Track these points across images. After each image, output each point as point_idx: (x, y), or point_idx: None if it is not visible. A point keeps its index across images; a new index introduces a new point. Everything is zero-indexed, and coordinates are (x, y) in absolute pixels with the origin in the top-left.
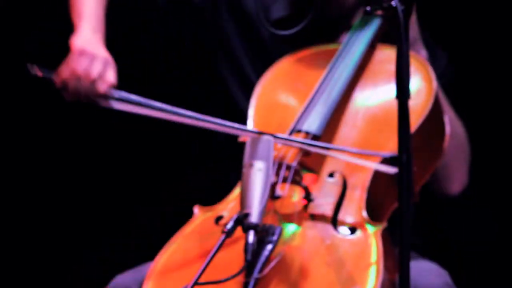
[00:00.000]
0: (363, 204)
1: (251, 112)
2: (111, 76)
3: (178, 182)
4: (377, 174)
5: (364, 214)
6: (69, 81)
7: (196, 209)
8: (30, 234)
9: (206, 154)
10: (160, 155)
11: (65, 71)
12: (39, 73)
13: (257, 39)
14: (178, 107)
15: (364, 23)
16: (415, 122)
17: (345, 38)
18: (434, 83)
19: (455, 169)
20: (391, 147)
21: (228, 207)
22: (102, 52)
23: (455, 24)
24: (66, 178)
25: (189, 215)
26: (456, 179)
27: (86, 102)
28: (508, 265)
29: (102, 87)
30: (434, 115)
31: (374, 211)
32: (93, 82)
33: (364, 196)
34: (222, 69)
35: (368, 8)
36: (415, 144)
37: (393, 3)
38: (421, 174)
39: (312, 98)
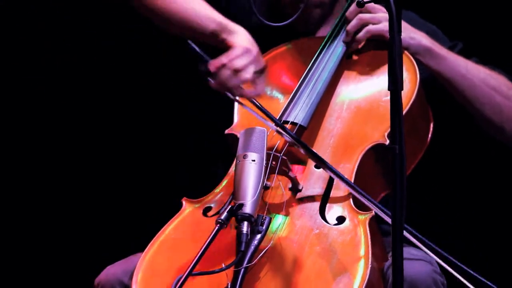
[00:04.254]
0: (350, 193)
1: (236, 104)
2: (262, 86)
3: (166, 175)
4: (363, 164)
5: (352, 203)
6: (225, 70)
7: (184, 202)
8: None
9: (193, 147)
10: (148, 149)
11: (225, 60)
12: (196, 48)
13: (250, 30)
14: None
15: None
16: None
17: (330, 29)
18: (418, 73)
19: None
20: (376, 138)
21: (215, 199)
22: (262, 58)
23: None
24: (53, 172)
25: (177, 207)
26: None
27: (221, 92)
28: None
29: (249, 93)
30: (419, 105)
31: (361, 200)
32: (245, 81)
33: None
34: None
35: (360, 0)
36: None
37: None
38: (409, 161)
39: (298, 90)
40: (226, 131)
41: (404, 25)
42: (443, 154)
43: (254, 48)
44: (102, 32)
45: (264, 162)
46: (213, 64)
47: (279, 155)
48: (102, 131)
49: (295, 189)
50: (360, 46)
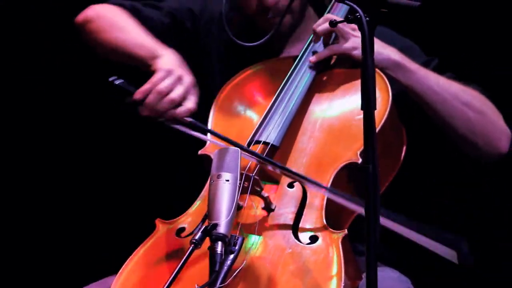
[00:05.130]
0: (323, 213)
1: (209, 124)
2: (192, 102)
3: (140, 196)
4: (336, 183)
5: (325, 222)
6: (151, 95)
7: (158, 222)
8: None
9: (166, 168)
10: (121, 169)
11: (148, 85)
12: (118, 82)
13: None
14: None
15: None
16: None
17: (302, 49)
18: (390, 92)
19: (492, 126)
20: (349, 157)
21: (189, 220)
22: (187, 76)
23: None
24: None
25: (151, 228)
26: (499, 135)
27: (153, 119)
28: (468, 272)
29: (180, 111)
30: (391, 123)
31: (334, 219)
32: (173, 103)
33: (324, 205)
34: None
35: (333, 20)
36: None
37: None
38: (381, 182)
39: (270, 109)
40: (200, 152)
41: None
42: (416, 172)
43: (177, 68)
44: None
45: (238, 182)
46: (138, 92)
47: (251, 175)
48: (79, 155)
49: (268, 208)
50: (331, 63)
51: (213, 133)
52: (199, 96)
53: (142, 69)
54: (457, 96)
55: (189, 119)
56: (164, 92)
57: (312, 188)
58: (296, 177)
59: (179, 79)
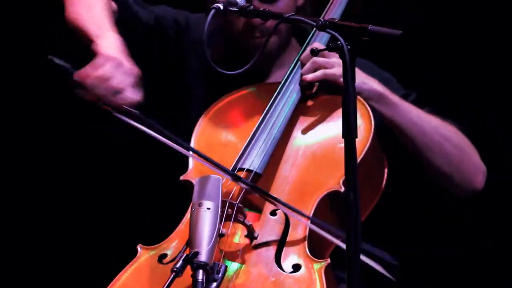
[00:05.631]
0: (305, 241)
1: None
2: (133, 93)
3: (122, 221)
4: (319, 211)
5: (307, 251)
6: (90, 79)
7: (139, 248)
8: None
9: (148, 193)
10: (103, 194)
11: (88, 69)
12: (57, 61)
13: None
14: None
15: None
16: None
17: (284, 76)
18: (372, 121)
19: (469, 162)
20: (331, 185)
21: (171, 246)
22: (127, 63)
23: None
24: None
25: (132, 253)
26: (475, 171)
27: (92, 102)
28: None
29: (120, 98)
30: (373, 152)
31: (316, 247)
32: (113, 89)
33: (306, 233)
34: (179, 105)
35: (315, 48)
36: None
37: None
38: (364, 208)
39: (253, 136)
40: (181, 177)
41: (357, 71)
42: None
43: (119, 56)
44: None
45: (220, 209)
46: (78, 74)
47: (234, 202)
48: (59, 179)
49: (251, 236)
50: (314, 91)
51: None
52: (180, 118)
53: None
54: (437, 130)
55: (135, 111)
56: (104, 77)
57: (295, 217)
58: (281, 205)
59: (119, 67)
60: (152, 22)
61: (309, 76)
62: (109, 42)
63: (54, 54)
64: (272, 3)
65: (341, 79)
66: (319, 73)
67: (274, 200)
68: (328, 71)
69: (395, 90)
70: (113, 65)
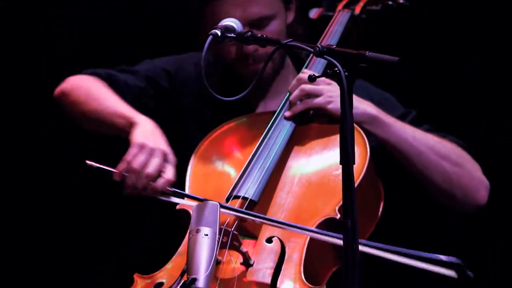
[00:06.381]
0: (301, 268)
1: (187, 180)
2: (169, 173)
3: (118, 250)
4: (314, 240)
5: (303, 277)
6: (129, 176)
7: (136, 277)
8: None
9: (145, 223)
10: (100, 224)
11: (123, 166)
12: (96, 166)
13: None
14: None
15: None
16: None
17: (280, 104)
18: (368, 147)
19: (470, 178)
20: (327, 212)
21: (167, 275)
22: (162, 146)
23: None
24: None
25: (129, 283)
26: (477, 186)
27: (144, 195)
28: None
29: (159, 184)
30: (369, 179)
31: (312, 275)
32: (150, 177)
33: (302, 260)
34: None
35: (312, 74)
36: None
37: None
38: (360, 235)
39: (249, 164)
40: (178, 206)
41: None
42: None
43: (149, 140)
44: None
45: (217, 236)
46: (116, 174)
47: (230, 229)
48: (51, 211)
49: (246, 263)
50: (310, 114)
51: (192, 197)
52: (177, 153)
53: (122, 136)
54: (433, 149)
55: (171, 189)
56: (139, 169)
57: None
58: (277, 224)
59: (152, 152)
60: (143, 84)
61: (291, 111)
62: (142, 129)
63: (89, 159)
64: (262, 28)
65: (329, 106)
66: (300, 106)
67: (268, 220)
68: (311, 101)
69: (394, 109)
70: (145, 152)
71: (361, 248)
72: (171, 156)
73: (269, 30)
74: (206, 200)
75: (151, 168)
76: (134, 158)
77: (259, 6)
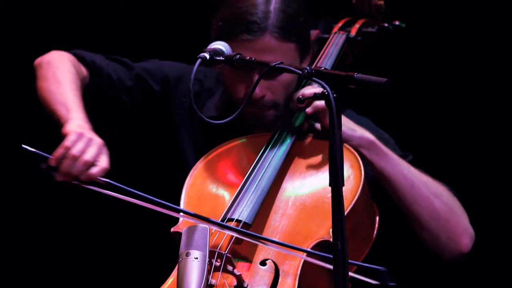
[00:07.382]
0: None
1: (182, 202)
2: (104, 161)
3: (112, 274)
4: (308, 261)
5: None
6: (64, 161)
7: None
8: None
9: (139, 246)
10: (93, 246)
11: (61, 151)
12: (32, 150)
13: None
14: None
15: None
16: (344, 208)
17: (274, 128)
18: (362, 170)
19: (457, 222)
20: (321, 234)
21: None
22: (97, 138)
23: None
24: None
25: None
26: (462, 232)
27: (73, 183)
28: None
29: (94, 171)
30: (364, 202)
31: None
32: (87, 164)
33: (296, 283)
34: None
35: (301, 96)
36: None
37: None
38: (354, 258)
39: (243, 187)
40: (172, 229)
41: (345, 119)
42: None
43: (85, 130)
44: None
45: (207, 259)
46: (54, 158)
47: (223, 252)
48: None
49: (240, 287)
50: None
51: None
52: (170, 171)
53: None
54: (426, 185)
55: (105, 180)
56: (77, 155)
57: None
58: (272, 243)
59: (89, 140)
60: (130, 83)
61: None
62: (74, 122)
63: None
64: (273, 78)
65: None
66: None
67: (265, 240)
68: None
69: (392, 151)
70: (84, 140)
71: None
72: (106, 148)
73: (279, 79)
74: (180, 208)
75: (89, 155)
76: (73, 144)
77: (273, 55)
